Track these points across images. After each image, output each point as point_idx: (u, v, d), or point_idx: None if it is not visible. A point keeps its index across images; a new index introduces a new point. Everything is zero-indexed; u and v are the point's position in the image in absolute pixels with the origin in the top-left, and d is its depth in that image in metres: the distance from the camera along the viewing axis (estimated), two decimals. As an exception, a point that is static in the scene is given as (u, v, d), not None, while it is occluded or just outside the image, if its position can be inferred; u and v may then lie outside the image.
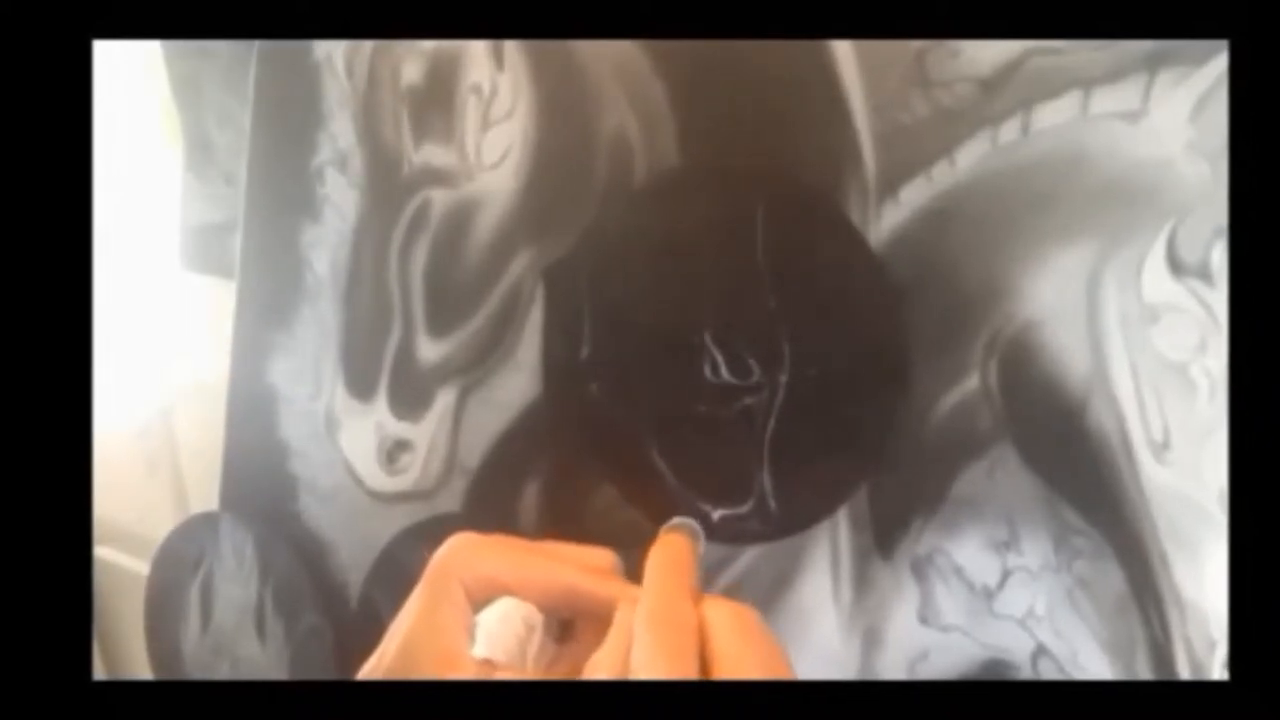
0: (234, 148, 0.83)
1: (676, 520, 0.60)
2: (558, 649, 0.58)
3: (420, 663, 0.54)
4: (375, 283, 0.74)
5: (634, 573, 0.55)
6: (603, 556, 0.58)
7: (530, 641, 0.56)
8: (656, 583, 0.53)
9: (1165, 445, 0.54)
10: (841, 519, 0.62)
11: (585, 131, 0.64)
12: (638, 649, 0.49)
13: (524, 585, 0.56)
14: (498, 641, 0.55)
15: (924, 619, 0.61)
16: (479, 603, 0.56)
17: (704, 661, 0.49)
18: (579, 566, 0.57)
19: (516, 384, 0.70)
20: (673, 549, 0.56)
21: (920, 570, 0.60)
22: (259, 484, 0.82)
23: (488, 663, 0.54)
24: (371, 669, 0.55)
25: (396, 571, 0.76)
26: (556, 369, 0.68)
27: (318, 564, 0.81)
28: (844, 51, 0.57)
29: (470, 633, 0.55)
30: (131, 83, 0.90)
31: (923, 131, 0.56)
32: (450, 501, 0.74)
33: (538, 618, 0.56)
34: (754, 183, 0.60)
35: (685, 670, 0.48)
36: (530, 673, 0.55)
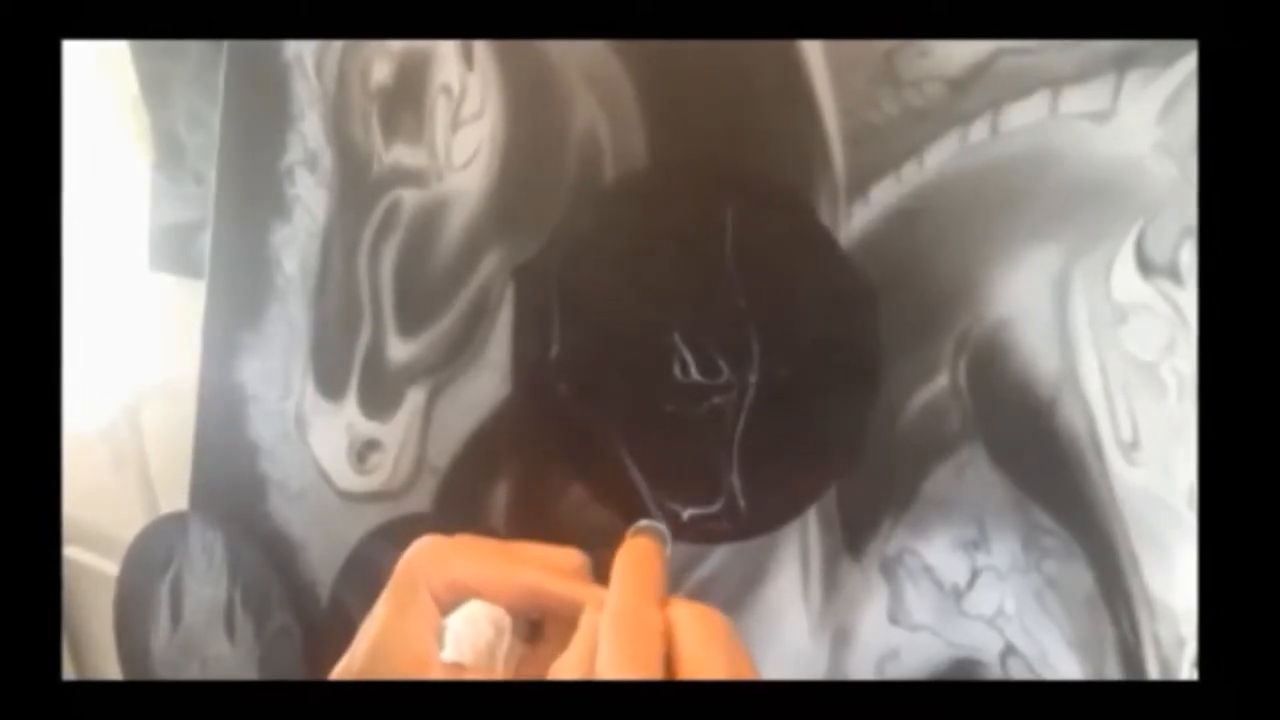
0: (203, 148, 0.82)
1: (643, 523, 0.60)
2: (526, 650, 0.58)
3: (389, 667, 0.54)
4: (345, 282, 0.74)
5: (603, 573, 0.55)
6: (571, 557, 0.58)
7: (499, 644, 0.56)
8: (622, 586, 0.53)
9: (1134, 445, 0.54)
10: (811, 519, 0.62)
11: (555, 131, 0.64)
12: (602, 653, 0.49)
13: (491, 588, 0.56)
14: (466, 644, 0.55)
15: (893, 618, 0.61)
16: (446, 606, 0.56)
17: (669, 665, 0.49)
18: (547, 567, 0.57)
19: (486, 383, 0.70)
20: (638, 552, 0.56)
21: (889, 570, 0.60)
22: (228, 484, 0.82)
23: (457, 666, 0.54)
24: (341, 673, 0.55)
25: (367, 571, 0.76)
26: (526, 368, 0.68)
27: (287, 564, 0.81)
28: (813, 51, 0.57)
29: (439, 636, 0.55)
30: (100, 83, 0.89)
31: (892, 131, 0.56)
32: (420, 501, 0.74)
33: (506, 620, 0.56)
34: (724, 182, 0.60)
35: (649, 674, 0.48)
36: (500, 674, 0.56)
